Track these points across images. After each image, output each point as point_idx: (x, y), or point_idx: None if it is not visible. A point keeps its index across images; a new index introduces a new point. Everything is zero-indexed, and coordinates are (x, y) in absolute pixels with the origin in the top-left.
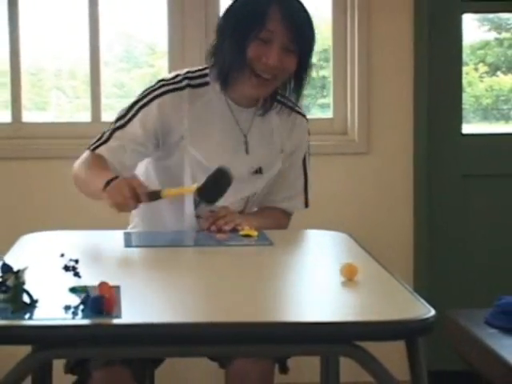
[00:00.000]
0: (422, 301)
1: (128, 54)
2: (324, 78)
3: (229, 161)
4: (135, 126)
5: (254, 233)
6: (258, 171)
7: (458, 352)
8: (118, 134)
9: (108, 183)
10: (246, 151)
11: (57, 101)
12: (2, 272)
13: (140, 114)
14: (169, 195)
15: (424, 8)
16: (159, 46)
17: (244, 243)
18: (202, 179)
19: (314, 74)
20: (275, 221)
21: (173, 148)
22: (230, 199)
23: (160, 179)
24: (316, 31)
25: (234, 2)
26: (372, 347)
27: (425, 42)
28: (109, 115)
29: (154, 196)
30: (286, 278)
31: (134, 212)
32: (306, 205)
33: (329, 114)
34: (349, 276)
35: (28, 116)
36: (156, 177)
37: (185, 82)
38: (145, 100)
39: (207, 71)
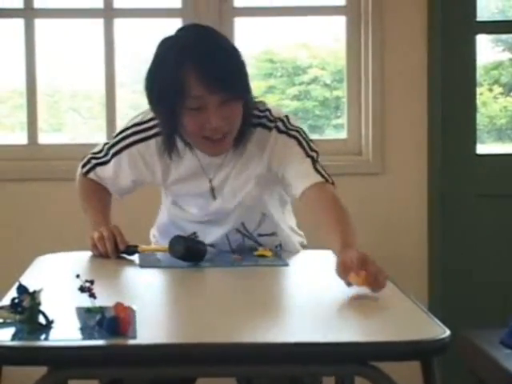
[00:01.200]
0: (437, 321)
1: (143, 76)
2: (338, 98)
3: (201, 207)
4: (112, 171)
5: (269, 253)
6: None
7: (472, 372)
8: (98, 169)
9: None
10: (213, 197)
11: (72, 122)
12: (18, 293)
13: (113, 162)
14: (144, 250)
15: (438, 29)
16: None
17: (259, 264)
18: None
19: (327, 94)
20: (336, 208)
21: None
22: (217, 234)
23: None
24: (239, 54)
25: (150, 71)
26: (387, 367)
27: (439, 62)
28: None
29: (132, 250)
30: (301, 298)
31: (154, 229)
32: (327, 180)
33: (343, 134)
34: (356, 280)
35: (44, 137)
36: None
37: (154, 131)
38: (117, 147)
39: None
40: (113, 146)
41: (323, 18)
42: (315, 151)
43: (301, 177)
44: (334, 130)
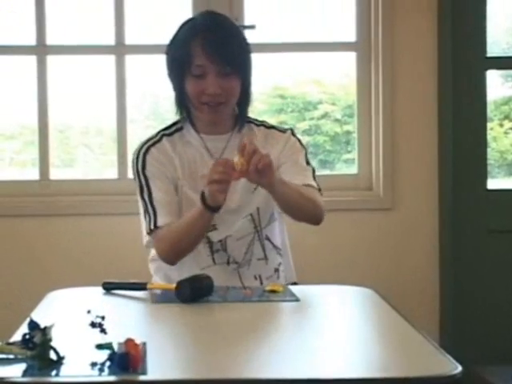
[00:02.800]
0: (449, 357)
1: (155, 111)
2: (348, 133)
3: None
4: (157, 185)
5: (280, 288)
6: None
7: None
8: (155, 202)
9: (202, 198)
10: None
11: (84, 158)
12: (29, 329)
13: (149, 175)
14: (153, 288)
15: (448, 65)
16: None
17: (269, 299)
18: None
19: (338, 129)
20: (304, 190)
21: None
22: (230, 221)
23: None
24: (247, 42)
25: (168, 47)
26: None
27: (449, 97)
28: None
29: (141, 287)
30: (312, 334)
31: (152, 272)
32: (319, 190)
33: (353, 169)
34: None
35: (55, 173)
36: None
37: (160, 134)
38: (140, 164)
39: (179, 120)
40: (137, 169)
41: (334, 54)
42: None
43: (297, 175)
44: (345, 165)
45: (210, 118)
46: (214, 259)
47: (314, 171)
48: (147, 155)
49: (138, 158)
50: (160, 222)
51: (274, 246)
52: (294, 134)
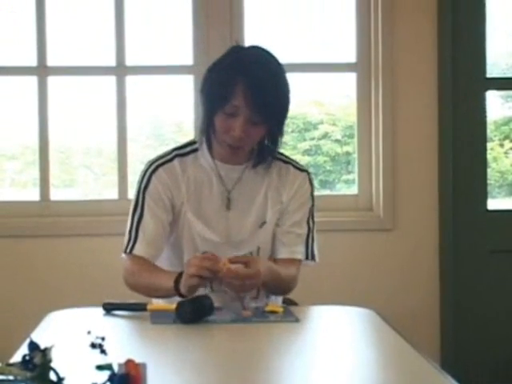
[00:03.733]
0: (451, 379)
1: (155, 131)
2: (349, 154)
3: (212, 218)
4: (151, 210)
5: (280, 309)
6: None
7: None
8: (141, 227)
9: (176, 280)
10: (227, 207)
11: (84, 178)
12: (29, 350)
13: (147, 197)
14: (153, 309)
15: (448, 85)
16: (186, 123)
17: (269, 320)
18: (199, 247)
19: (338, 149)
20: (284, 268)
21: (177, 217)
22: (229, 255)
23: (167, 255)
24: (288, 93)
25: (211, 68)
26: None
27: (450, 118)
28: None
29: (140, 307)
30: (312, 356)
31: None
32: (308, 256)
33: (354, 190)
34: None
35: (55, 193)
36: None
37: (173, 154)
38: (144, 182)
39: (195, 141)
40: (140, 186)
41: (334, 74)
42: (314, 222)
43: (287, 245)
44: (345, 186)
45: (228, 154)
46: (211, 286)
47: (310, 230)
48: (153, 175)
49: (144, 175)
50: (136, 251)
51: None
52: (310, 180)
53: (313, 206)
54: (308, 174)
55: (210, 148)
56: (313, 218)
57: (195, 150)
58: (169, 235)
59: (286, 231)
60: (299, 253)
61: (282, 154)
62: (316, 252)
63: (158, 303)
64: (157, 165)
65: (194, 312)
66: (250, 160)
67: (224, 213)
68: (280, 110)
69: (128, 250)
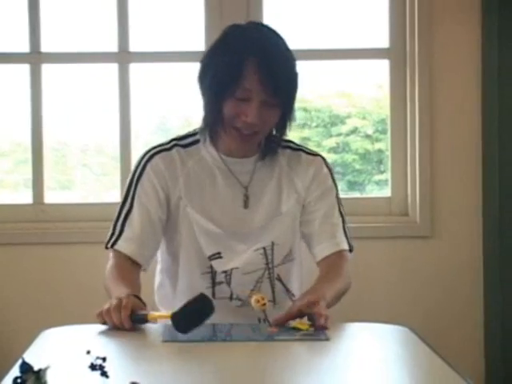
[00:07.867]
0: None
1: (162, 126)
2: (381, 151)
3: (225, 216)
4: (141, 205)
5: (305, 326)
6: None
7: None
8: (128, 222)
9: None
10: (245, 205)
11: (82, 179)
12: (21, 371)
13: (139, 189)
14: (153, 318)
15: (494, 73)
16: (195, 117)
17: (297, 338)
18: (201, 243)
19: (369, 146)
20: (338, 276)
21: (175, 213)
22: (238, 250)
23: (164, 257)
24: (298, 74)
25: (210, 53)
26: None
27: (495, 110)
28: None
29: (139, 319)
30: (343, 377)
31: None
32: (350, 248)
33: (386, 192)
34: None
35: (51, 196)
36: (163, 254)
37: (172, 143)
38: (137, 172)
39: (196, 131)
40: (133, 176)
41: (364, 61)
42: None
43: (328, 239)
44: (377, 187)
45: (238, 146)
46: (214, 293)
47: (344, 221)
48: (148, 164)
49: (138, 164)
50: (118, 246)
51: (287, 290)
52: (326, 164)
53: (337, 190)
54: (322, 157)
55: (214, 140)
56: (342, 205)
57: (197, 142)
58: (162, 233)
59: (320, 223)
60: (343, 242)
61: (290, 142)
62: (351, 242)
63: (159, 312)
64: (153, 153)
65: (188, 318)
66: (257, 152)
67: (241, 210)
68: (294, 86)
69: (110, 245)
